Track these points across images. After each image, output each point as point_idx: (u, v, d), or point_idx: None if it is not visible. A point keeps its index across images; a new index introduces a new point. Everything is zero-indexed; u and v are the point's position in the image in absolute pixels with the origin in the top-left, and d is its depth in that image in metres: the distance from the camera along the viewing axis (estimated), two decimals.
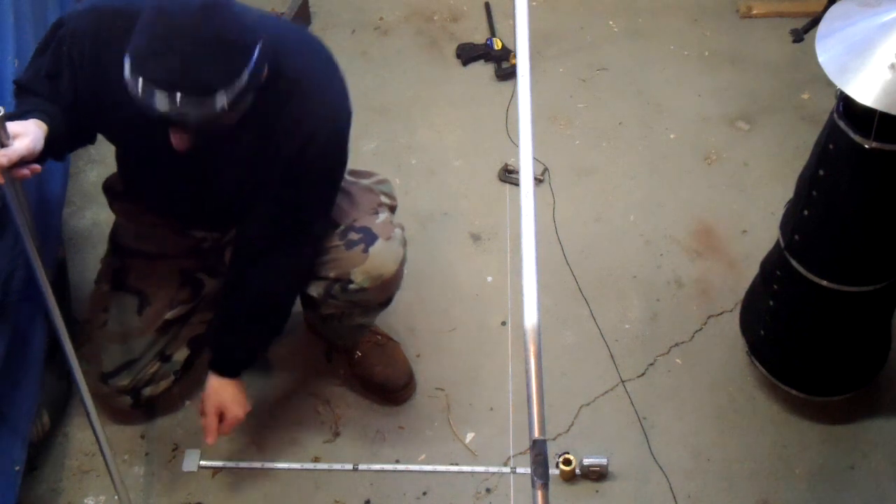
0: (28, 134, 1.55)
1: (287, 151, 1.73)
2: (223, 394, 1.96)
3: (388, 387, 2.19)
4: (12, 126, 1.54)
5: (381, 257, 1.91)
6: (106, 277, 2.07)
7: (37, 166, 1.59)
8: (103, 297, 2.05)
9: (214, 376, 1.96)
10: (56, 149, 1.70)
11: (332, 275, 1.92)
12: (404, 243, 1.98)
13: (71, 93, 1.71)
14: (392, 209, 2.03)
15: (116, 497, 2.01)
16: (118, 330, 2.02)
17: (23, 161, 1.54)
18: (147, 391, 2.08)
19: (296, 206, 1.81)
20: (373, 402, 2.21)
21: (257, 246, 1.86)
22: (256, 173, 1.78)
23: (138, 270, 2.04)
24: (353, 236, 1.91)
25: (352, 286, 1.91)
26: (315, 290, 1.99)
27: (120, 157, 1.96)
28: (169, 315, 2.04)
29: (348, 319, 2.06)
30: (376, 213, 1.96)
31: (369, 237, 1.91)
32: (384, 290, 1.98)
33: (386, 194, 2.04)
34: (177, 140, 1.59)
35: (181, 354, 2.11)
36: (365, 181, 2.02)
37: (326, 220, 1.91)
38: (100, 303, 2.05)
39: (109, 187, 2.10)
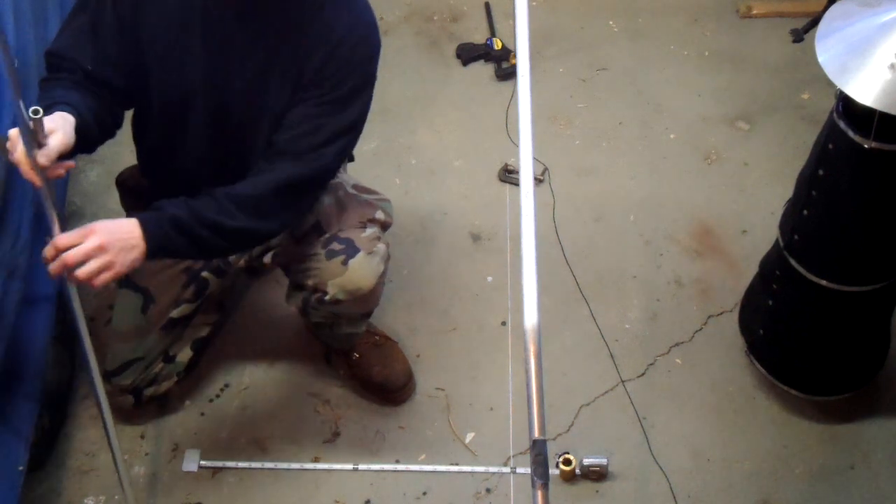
0: (59, 129, 1.53)
1: (318, 55, 1.71)
2: (117, 224, 1.63)
3: (387, 387, 2.19)
4: (45, 122, 1.50)
5: (360, 271, 1.89)
6: None
7: (71, 163, 1.57)
8: (108, 295, 2.04)
9: (134, 222, 1.64)
10: (85, 141, 1.66)
11: (309, 283, 1.92)
12: (386, 259, 1.96)
13: (114, 45, 1.69)
14: (384, 227, 2.01)
15: (119, 496, 2.01)
16: (122, 328, 2.02)
17: (59, 157, 1.52)
18: (149, 391, 2.08)
19: (320, 114, 1.74)
20: (373, 402, 2.21)
21: (274, 147, 1.76)
22: (287, 90, 1.75)
23: (144, 268, 2.03)
24: (336, 247, 1.90)
25: (326, 298, 1.90)
26: (294, 301, 1.99)
27: (144, 128, 1.90)
28: (174, 314, 2.04)
29: (337, 328, 2.07)
30: (364, 227, 1.95)
31: (351, 250, 1.89)
32: (362, 304, 1.97)
33: (383, 211, 2.02)
34: None
35: (184, 356, 2.11)
36: (365, 196, 2.02)
37: (344, 150, 1.80)
38: (105, 300, 2.05)
39: (122, 182, 2.09)
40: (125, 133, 1.87)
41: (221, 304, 2.20)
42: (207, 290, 2.06)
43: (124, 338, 2.02)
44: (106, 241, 1.59)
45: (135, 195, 2.07)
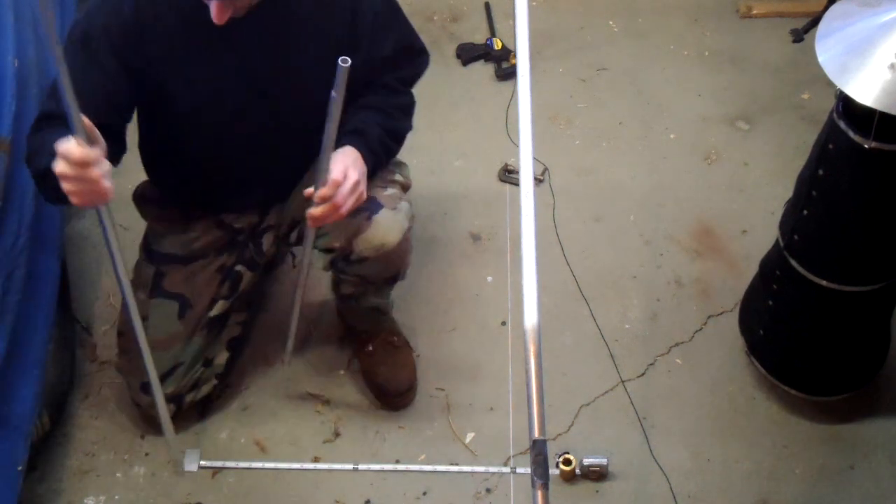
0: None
1: (345, 23, 1.78)
2: (350, 155, 1.76)
3: (386, 389, 2.18)
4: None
5: (384, 226, 1.88)
6: (142, 286, 2.01)
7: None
8: (141, 306, 1.93)
9: (355, 151, 1.78)
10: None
11: (336, 244, 1.90)
12: (411, 217, 1.95)
13: (121, 94, 1.73)
14: (404, 188, 2.01)
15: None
16: (160, 337, 1.98)
17: None
18: (189, 397, 2.06)
19: (380, 56, 1.86)
20: (373, 402, 2.21)
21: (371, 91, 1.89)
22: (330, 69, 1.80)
23: (175, 275, 2.00)
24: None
25: (353, 256, 1.90)
26: (321, 261, 1.97)
27: (174, 150, 1.92)
28: (212, 313, 2.02)
29: (363, 299, 2.06)
30: (385, 187, 1.94)
31: (375, 206, 1.88)
32: (388, 263, 1.95)
33: (401, 174, 2.02)
34: (217, 10, 1.57)
35: (222, 358, 2.10)
36: None
37: (420, 60, 2.00)
38: (138, 312, 2.00)
39: (140, 195, 2.08)
40: None
41: (249, 303, 2.19)
42: (241, 284, 2.06)
43: (163, 346, 1.98)
44: (359, 174, 1.72)
45: (158, 205, 2.05)
